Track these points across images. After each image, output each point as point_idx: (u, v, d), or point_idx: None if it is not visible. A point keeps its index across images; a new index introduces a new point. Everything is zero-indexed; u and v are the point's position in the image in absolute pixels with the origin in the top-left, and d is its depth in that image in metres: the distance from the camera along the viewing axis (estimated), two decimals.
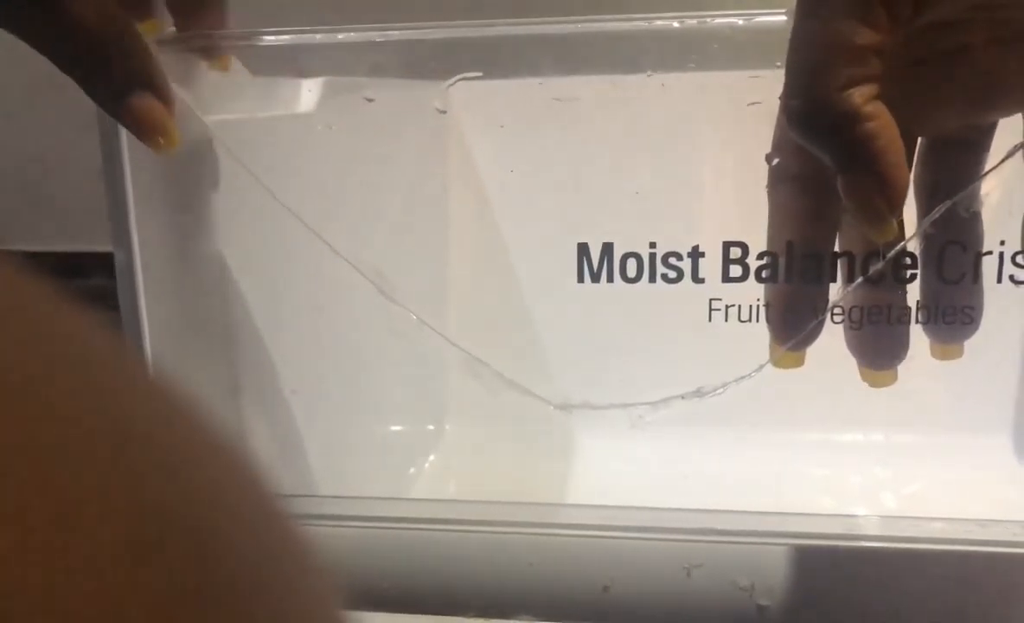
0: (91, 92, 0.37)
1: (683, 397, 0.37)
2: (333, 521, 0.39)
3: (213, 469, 0.12)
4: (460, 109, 0.50)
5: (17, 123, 0.77)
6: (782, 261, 0.34)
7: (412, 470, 0.63)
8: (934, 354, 0.35)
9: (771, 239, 0.35)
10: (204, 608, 0.10)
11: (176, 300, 0.45)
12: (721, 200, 0.44)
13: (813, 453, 0.56)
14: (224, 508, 0.12)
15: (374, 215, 0.54)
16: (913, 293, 0.35)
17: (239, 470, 0.13)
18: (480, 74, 0.39)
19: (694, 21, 0.36)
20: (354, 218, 0.52)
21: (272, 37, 0.42)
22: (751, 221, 0.35)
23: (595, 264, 0.38)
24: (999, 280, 0.34)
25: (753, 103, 0.35)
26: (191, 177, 0.45)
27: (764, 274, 0.36)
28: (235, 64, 0.45)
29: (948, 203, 0.33)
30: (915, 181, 0.34)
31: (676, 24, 0.36)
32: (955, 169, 0.33)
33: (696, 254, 0.37)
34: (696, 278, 0.37)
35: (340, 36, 0.41)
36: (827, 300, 0.34)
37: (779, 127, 0.34)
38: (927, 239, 0.34)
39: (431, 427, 0.66)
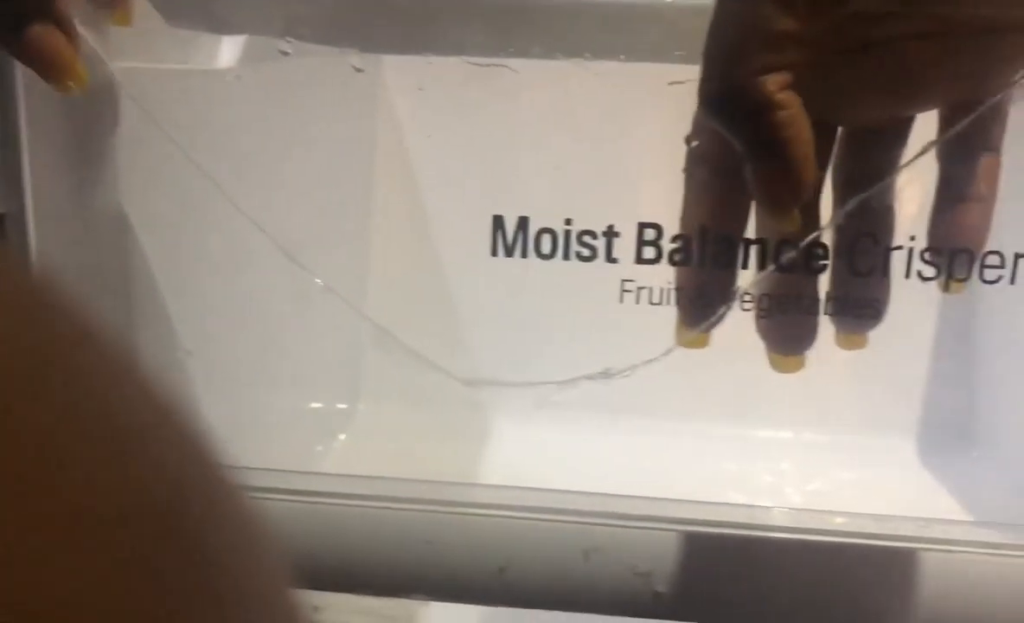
0: None
1: (591, 377, 0.36)
2: None
3: (175, 444, 0.12)
4: (387, 70, 0.49)
5: None
6: (695, 244, 0.34)
7: (320, 448, 0.62)
8: (839, 343, 0.35)
9: (685, 221, 0.34)
10: (169, 583, 0.10)
11: (70, 253, 0.43)
12: (638, 180, 0.43)
13: (722, 446, 0.57)
14: (187, 482, 0.12)
15: (292, 177, 0.52)
16: (822, 283, 0.35)
17: (197, 444, 0.13)
18: (394, 41, 0.37)
19: None
20: (270, 179, 0.50)
21: None
22: (667, 203, 0.35)
23: (510, 238, 0.37)
24: (907, 275, 0.34)
25: (674, 83, 0.35)
26: (92, 126, 0.43)
27: (677, 257, 0.35)
28: (148, 11, 0.43)
29: (862, 195, 0.33)
30: (833, 171, 0.34)
31: None
32: (872, 161, 0.33)
33: (611, 233, 0.36)
34: (610, 258, 0.37)
35: None
36: (735, 285, 0.34)
37: (699, 109, 0.34)
38: (839, 230, 0.34)
39: (343, 405, 0.64)
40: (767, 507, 0.37)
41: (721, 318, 0.34)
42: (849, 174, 0.34)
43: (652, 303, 0.36)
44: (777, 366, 0.35)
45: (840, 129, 0.34)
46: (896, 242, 0.34)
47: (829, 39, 0.30)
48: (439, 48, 0.40)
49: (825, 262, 0.35)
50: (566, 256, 0.37)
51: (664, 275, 0.35)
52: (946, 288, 0.34)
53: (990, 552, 0.35)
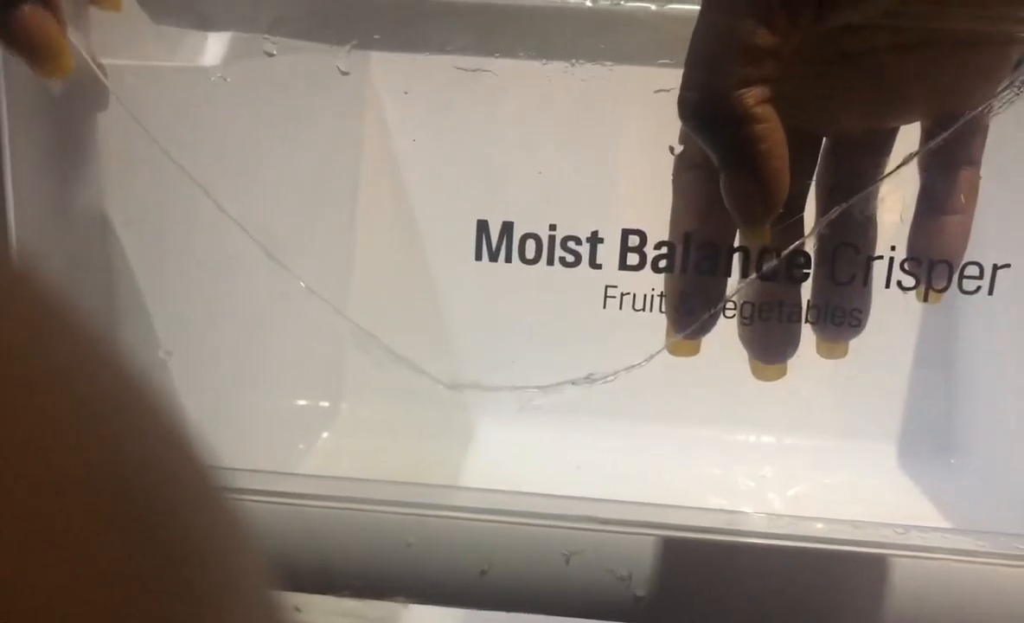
0: None
1: (574, 383, 0.36)
2: None
3: (161, 444, 0.12)
4: (375, 73, 0.49)
5: None
6: (679, 251, 0.34)
7: (302, 446, 0.61)
8: (820, 352, 0.35)
9: (672, 229, 0.34)
10: (152, 581, 0.10)
11: (51, 251, 0.42)
12: (623, 186, 0.44)
13: (705, 450, 0.57)
14: (171, 484, 0.12)
15: (276, 177, 0.52)
16: (804, 292, 0.35)
17: (176, 437, 0.13)
18: (378, 39, 0.37)
19: (607, 2, 0.36)
20: (254, 179, 0.50)
21: None
22: (651, 209, 0.35)
23: (494, 242, 0.37)
24: (887, 285, 0.35)
25: (660, 91, 0.35)
26: (74, 123, 0.42)
27: (661, 264, 0.35)
28: (134, 8, 0.42)
29: (844, 205, 0.33)
30: (816, 181, 0.34)
31: (589, 2, 0.35)
32: (854, 171, 0.34)
33: (595, 239, 0.37)
34: (593, 263, 0.37)
35: None
36: (722, 293, 0.34)
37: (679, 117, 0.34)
38: (821, 239, 0.34)
39: (326, 404, 0.64)
40: (747, 513, 0.37)
41: (709, 325, 0.34)
42: (833, 184, 0.34)
43: (635, 309, 0.36)
44: (759, 374, 0.35)
45: (824, 139, 0.34)
46: (877, 252, 0.34)
47: (813, 50, 0.30)
48: (426, 51, 0.40)
49: (807, 271, 0.35)
50: (550, 261, 0.37)
51: (648, 281, 0.35)
52: (925, 298, 0.34)
53: (967, 559, 0.36)
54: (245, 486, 0.39)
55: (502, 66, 0.40)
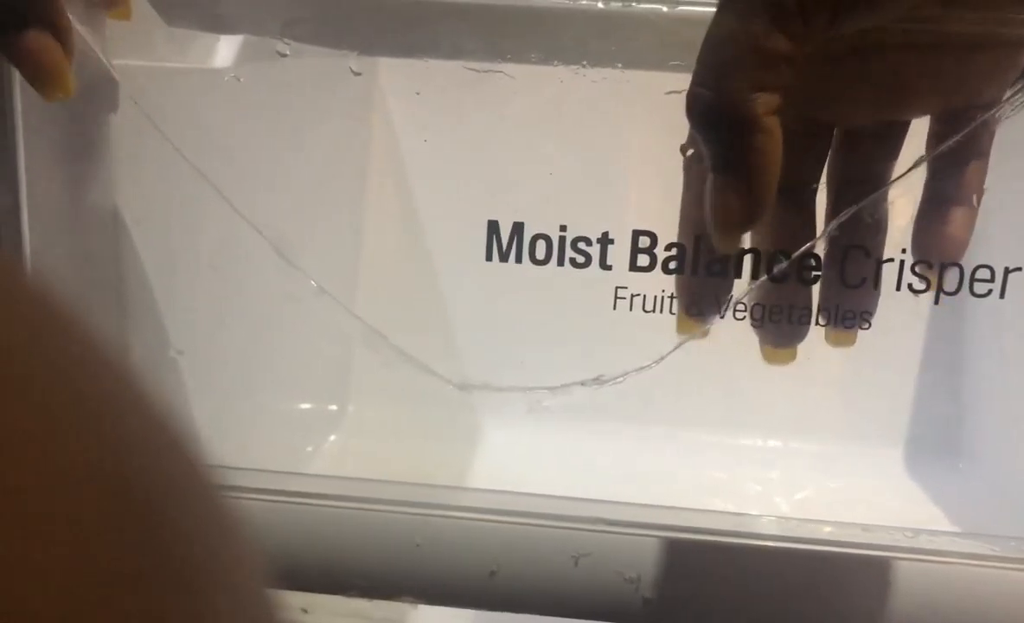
0: None
1: (583, 384, 0.37)
2: None
3: (159, 444, 0.12)
4: (383, 73, 0.49)
5: None
6: (689, 252, 0.34)
7: (310, 448, 0.62)
8: (828, 340, 0.35)
9: (681, 221, 0.35)
10: (150, 581, 0.10)
11: (63, 249, 0.43)
12: (634, 188, 0.44)
13: (712, 454, 0.57)
14: (170, 484, 0.12)
15: (286, 178, 0.52)
16: (815, 295, 0.35)
17: (180, 443, 0.13)
18: (388, 43, 0.37)
19: (619, 4, 0.36)
20: (264, 180, 0.50)
21: None
22: (662, 211, 0.35)
23: (504, 243, 0.38)
24: (898, 288, 0.35)
25: (671, 92, 0.35)
26: (87, 123, 0.43)
27: (671, 265, 0.35)
28: (147, 10, 0.43)
29: (854, 207, 0.33)
30: (828, 178, 0.34)
31: (600, 4, 0.35)
32: (864, 168, 0.34)
33: (605, 240, 0.37)
34: (604, 265, 0.37)
35: None
36: (732, 284, 0.34)
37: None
38: (831, 241, 0.34)
39: (333, 406, 0.64)
40: (755, 515, 0.37)
41: (725, 306, 0.34)
42: (842, 183, 0.34)
43: (645, 311, 0.36)
44: (769, 358, 0.35)
45: (834, 137, 0.34)
46: (887, 255, 0.34)
47: (824, 43, 0.31)
48: (436, 52, 0.40)
49: (817, 272, 0.35)
50: (560, 262, 0.37)
51: (658, 283, 0.35)
52: (936, 300, 0.34)
53: (976, 563, 0.36)
54: (254, 486, 0.39)
55: (513, 68, 0.41)
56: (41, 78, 0.34)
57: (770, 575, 0.36)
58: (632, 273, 0.36)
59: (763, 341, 0.35)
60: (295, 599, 0.43)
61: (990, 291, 0.34)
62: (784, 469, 0.57)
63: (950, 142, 0.32)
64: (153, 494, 0.11)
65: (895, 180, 0.34)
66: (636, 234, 0.36)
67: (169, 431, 0.12)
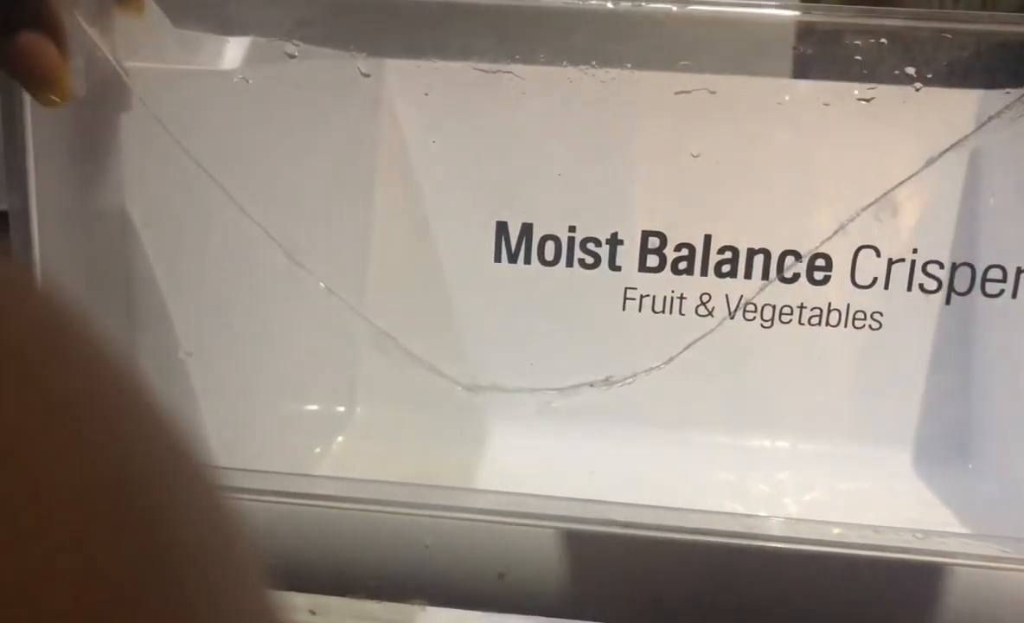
0: None
1: (592, 385, 0.36)
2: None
3: (159, 445, 0.12)
4: (391, 74, 0.49)
5: None
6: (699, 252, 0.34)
7: (318, 450, 0.61)
8: None
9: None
10: (149, 582, 0.10)
11: (72, 251, 0.43)
12: (643, 189, 0.43)
13: (721, 455, 0.57)
14: (172, 491, 0.12)
15: (294, 180, 0.52)
16: (825, 295, 0.35)
17: (180, 445, 0.13)
18: (397, 44, 0.37)
19: (628, 4, 0.36)
20: (273, 181, 0.50)
21: None
22: (671, 212, 0.35)
23: (513, 244, 0.38)
24: (909, 288, 0.34)
25: (680, 92, 0.35)
26: (96, 124, 0.43)
27: (681, 266, 0.35)
28: (155, 11, 0.43)
29: (865, 207, 0.33)
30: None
31: (610, 4, 0.35)
32: None
33: (615, 241, 0.37)
34: (613, 266, 0.37)
35: None
36: None
37: None
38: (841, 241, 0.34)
39: (341, 408, 0.64)
40: (765, 517, 0.37)
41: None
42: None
43: (655, 311, 0.36)
44: None
45: None
46: (898, 255, 0.34)
47: None
48: (445, 53, 0.40)
49: (827, 273, 0.35)
50: (569, 263, 0.37)
51: (667, 284, 0.35)
52: (948, 301, 0.34)
53: (986, 564, 0.36)
54: (262, 487, 0.39)
55: (521, 68, 0.41)
56: (35, 81, 0.33)
57: (780, 576, 0.36)
58: (641, 274, 0.36)
59: None
60: (303, 601, 0.43)
61: (1002, 291, 0.34)
62: (793, 470, 0.57)
63: (962, 139, 0.31)
64: (153, 495, 0.11)
65: (903, 181, 0.34)
66: (645, 235, 0.36)
67: (173, 435, 0.12)
